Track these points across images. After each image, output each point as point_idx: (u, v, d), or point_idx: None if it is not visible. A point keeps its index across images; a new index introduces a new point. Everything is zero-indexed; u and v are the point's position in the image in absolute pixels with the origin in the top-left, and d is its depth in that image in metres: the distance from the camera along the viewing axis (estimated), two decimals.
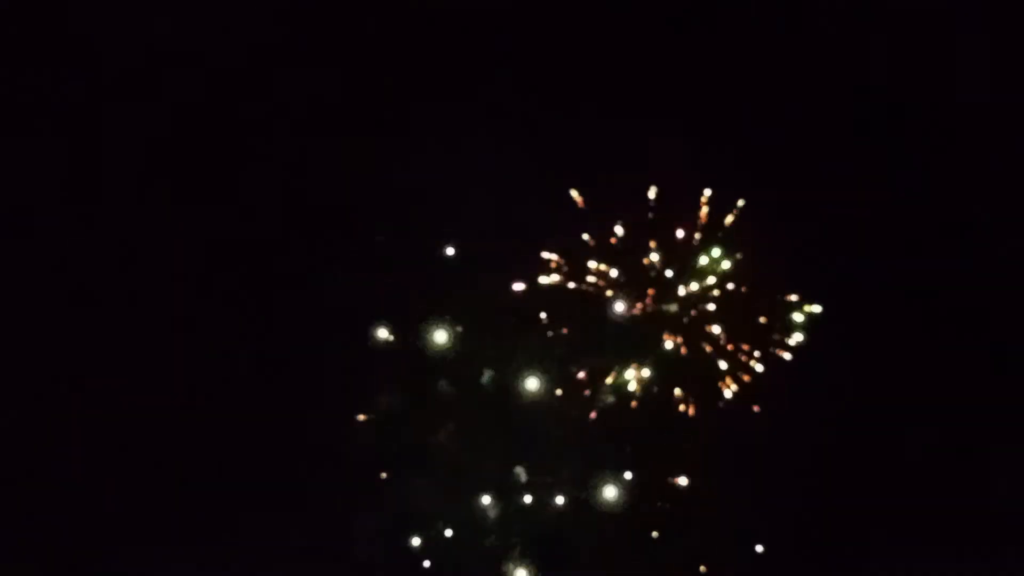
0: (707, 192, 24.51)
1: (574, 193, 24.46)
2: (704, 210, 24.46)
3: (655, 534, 23.77)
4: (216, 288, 24.54)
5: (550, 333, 24.19)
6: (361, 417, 23.85)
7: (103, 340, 24.22)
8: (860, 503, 24.12)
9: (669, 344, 24.39)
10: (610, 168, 24.41)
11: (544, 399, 22.97)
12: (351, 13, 24.92)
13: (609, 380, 24.13)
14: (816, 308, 24.36)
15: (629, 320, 23.69)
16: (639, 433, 24.15)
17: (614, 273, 24.64)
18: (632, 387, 24.27)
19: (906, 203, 24.28)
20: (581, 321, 24.23)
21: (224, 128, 24.57)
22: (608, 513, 22.77)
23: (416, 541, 23.38)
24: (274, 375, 24.28)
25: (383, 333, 23.41)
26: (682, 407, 24.25)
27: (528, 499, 23.49)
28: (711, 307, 24.55)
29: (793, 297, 24.41)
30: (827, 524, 23.95)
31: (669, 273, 24.38)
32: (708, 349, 24.45)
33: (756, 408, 24.31)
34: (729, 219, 24.43)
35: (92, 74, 24.29)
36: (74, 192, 24.47)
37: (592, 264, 24.61)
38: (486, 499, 23.39)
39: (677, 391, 24.33)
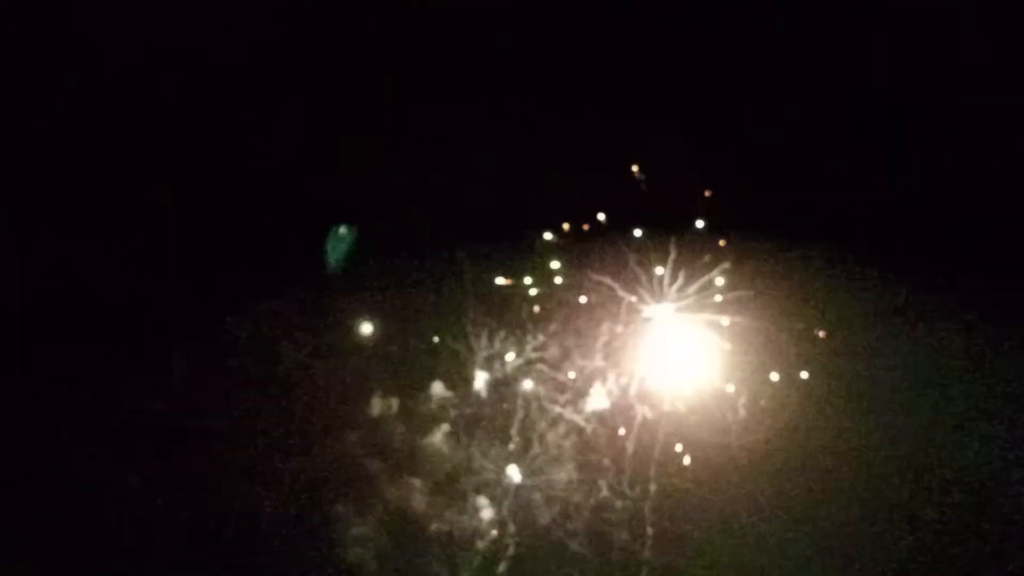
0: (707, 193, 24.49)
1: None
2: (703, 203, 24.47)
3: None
4: (215, 288, 24.50)
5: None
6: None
7: (103, 340, 24.25)
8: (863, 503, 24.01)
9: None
10: (608, 168, 24.44)
11: None
12: (351, 13, 24.95)
13: None
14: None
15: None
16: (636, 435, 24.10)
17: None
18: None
19: (906, 203, 24.30)
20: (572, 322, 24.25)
21: (224, 128, 24.58)
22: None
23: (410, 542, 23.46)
24: (274, 375, 24.27)
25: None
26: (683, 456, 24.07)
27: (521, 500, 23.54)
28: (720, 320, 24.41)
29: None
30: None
31: (659, 270, 24.33)
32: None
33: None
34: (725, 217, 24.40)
35: (92, 74, 24.31)
36: (74, 192, 24.49)
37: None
38: (480, 500, 23.48)
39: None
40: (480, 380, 24.00)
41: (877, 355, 24.16)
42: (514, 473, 23.67)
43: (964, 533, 23.45)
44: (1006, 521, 23.54)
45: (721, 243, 24.51)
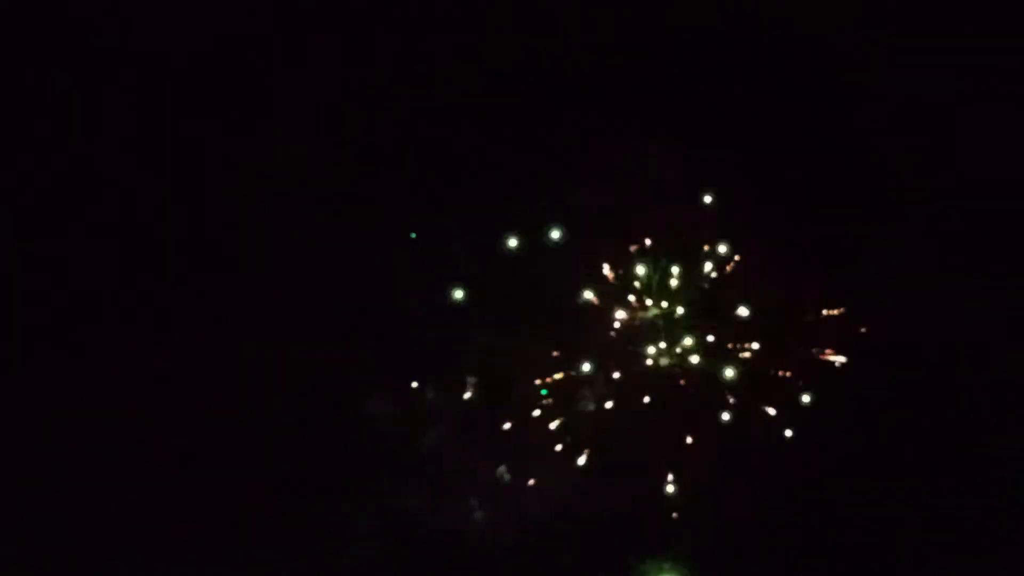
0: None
1: None
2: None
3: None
4: (216, 289, 24.56)
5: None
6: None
7: (105, 341, 24.31)
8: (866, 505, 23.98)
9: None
10: (606, 169, 24.48)
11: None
12: (351, 13, 25.07)
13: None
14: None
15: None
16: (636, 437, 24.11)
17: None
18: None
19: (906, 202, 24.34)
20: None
21: (223, 127, 24.69)
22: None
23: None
24: (274, 378, 24.33)
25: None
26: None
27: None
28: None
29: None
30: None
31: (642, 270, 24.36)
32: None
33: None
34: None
35: (92, 74, 24.42)
36: (75, 192, 24.59)
37: None
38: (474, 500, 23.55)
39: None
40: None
41: None
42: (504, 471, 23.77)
43: None
44: None
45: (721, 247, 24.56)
